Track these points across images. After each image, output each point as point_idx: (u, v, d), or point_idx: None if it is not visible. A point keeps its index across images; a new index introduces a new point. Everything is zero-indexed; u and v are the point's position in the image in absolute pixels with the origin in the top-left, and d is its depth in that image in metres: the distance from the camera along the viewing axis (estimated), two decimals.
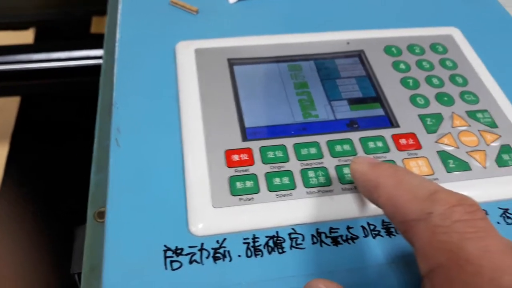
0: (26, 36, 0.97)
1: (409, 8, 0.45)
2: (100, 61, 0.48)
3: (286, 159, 0.31)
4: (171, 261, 0.26)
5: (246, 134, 0.32)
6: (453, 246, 0.19)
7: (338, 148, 0.32)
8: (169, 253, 0.26)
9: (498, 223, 0.30)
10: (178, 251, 0.27)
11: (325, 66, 0.38)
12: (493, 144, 0.34)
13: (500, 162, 0.32)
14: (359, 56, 0.39)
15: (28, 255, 0.75)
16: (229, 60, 0.37)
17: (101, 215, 0.32)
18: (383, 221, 0.29)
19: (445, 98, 0.36)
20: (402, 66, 0.38)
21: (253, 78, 0.36)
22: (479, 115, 0.35)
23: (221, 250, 0.27)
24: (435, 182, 0.23)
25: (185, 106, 0.33)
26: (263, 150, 0.31)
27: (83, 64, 0.84)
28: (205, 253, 0.27)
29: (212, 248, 0.27)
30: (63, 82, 0.85)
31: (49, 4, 0.90)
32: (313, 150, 0.31)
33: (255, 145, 0.31)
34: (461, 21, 0.43)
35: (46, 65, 0.83)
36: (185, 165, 0.30)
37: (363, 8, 0.45)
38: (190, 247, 0.27)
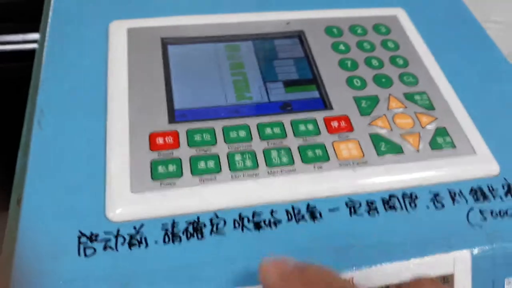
0: None
1: None
2: None
3: (213, 142, 0.30)
4: (85, 247, 0.25)
5: (175, 116, 0.31)
6: None
7: (268, 131, 0.31)
8: (83, 239, 0.26)
9: (428, 207, 0.30)
10: (93, 237, 0.26)
11: (263, 46, 0.37)
12: (428, 126, 0.33)
13: (434, 145, 0.32)
14: (299, 36, 0.38)
15: None
16: (162, 39, 0.35)
17: None
18: (308, 205, 0.28)
19: (383, 80, 0.35)
20: (341, 47, 0.37)
21: (187, 58, 0.35)
22: (417, 97, 0.35)
23: (138, 237, 0.26)
24: None
25: (112, 87, 0.32)
26: (190, 132, 0.30)
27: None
28: (120, 239, 0.26)
29: (128, 234, 0.26)
30: (14, 67, 0.82)
31: None
32: (242, 133, 0.31)
33: (182, 128, 0.30)
34: (407, 2, 0.42)
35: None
36: (107, 148, 0.29)
37: None
38: (105, 233, 0.26)
